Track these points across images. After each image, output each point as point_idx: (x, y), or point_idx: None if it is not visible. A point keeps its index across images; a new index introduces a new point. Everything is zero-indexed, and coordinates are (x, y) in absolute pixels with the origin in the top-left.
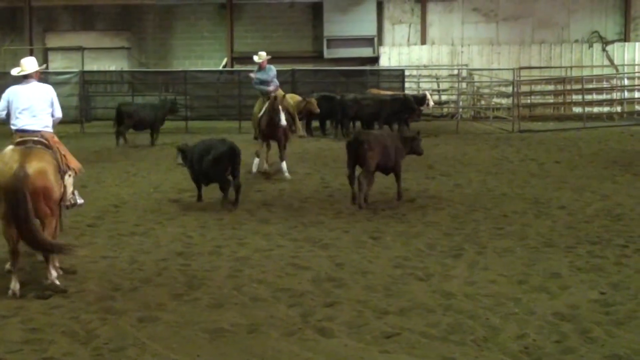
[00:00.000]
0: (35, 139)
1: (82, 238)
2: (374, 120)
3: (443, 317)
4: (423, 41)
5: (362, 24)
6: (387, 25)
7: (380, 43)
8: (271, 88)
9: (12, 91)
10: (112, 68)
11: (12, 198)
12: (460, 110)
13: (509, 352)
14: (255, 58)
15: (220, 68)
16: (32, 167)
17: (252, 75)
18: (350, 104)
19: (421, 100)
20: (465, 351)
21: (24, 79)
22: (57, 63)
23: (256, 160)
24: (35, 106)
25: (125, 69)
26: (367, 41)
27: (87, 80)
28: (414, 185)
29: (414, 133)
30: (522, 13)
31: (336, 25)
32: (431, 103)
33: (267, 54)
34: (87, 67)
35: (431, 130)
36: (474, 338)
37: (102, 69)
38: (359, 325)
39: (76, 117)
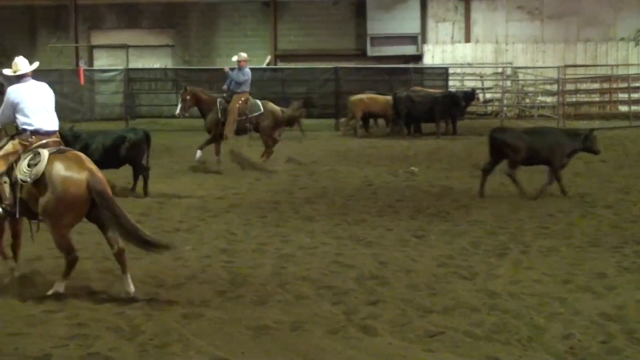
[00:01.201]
0: (57, 139)
1: None
2: (428, 117)
3: (487, 316)
4: (467, 39)
5: (406, 21)
6: (430, 23)
7: (423, 41)
8: (239, 90)
9: (15, 91)
10: (157, 66)
11: (102, 203)
12: (505, 108)
13: (554, 352)
14: (234, 58)
15: (264, 66)
16: (98, 172)
17: (227, 69)
18: (403, 101)
19: (470, 96)
20: (510, 351)
21: (18, 79)
22: (102, 60)
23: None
24: (47, 105)
25: (170, 66)
26: (411, 39)
27: (131, 77)
28: (458, 184)
29: (586, 130)
30: (567, 11)
31: (380, 23)
32: (480, 98)
33: (248, 56)
34: (131, 65)
35: (475, 128)
36: (519, 338)
37: (146, 66)
38: (402, 324)
39: (121, 115)
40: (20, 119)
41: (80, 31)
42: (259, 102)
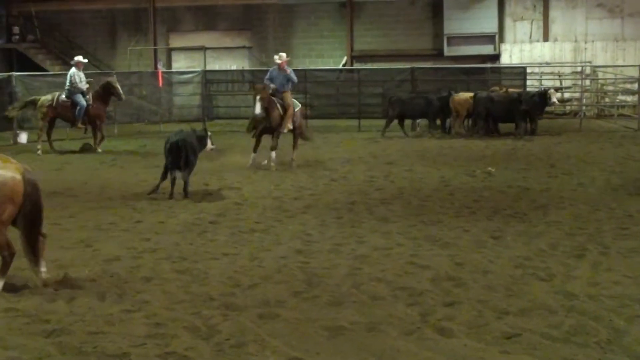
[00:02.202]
0: None
1: (204, 235)
2: (507, 117)
3: (565, 318)
4: (545, 38)
5: (483, 21)
6: (508, 22)
7: (501, 40)
8: (272, 86)
9: None
10: (234, 67)
11: (34, 194)
12: (584, 108)
13: (634, 355)
14: (276, 58)
15: (340, 66)
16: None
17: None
18: (483, 101)
19: (542, 96)
20: (588, 353)
21: None
22: (180, 63)
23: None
24: None
25: (246, 68)
26: (488, 38)
27: (209, 79)
28: (536, 184)
29: None
30: None
31: (456, 23)
32: (553, 99)
33: (288, 56)
34: (209, 67)
35: (554, 128)
36: (598, 340)
37: (223, 68)
38: (479, 326)
39: (198, 116)
40: None
41: (159, 34)
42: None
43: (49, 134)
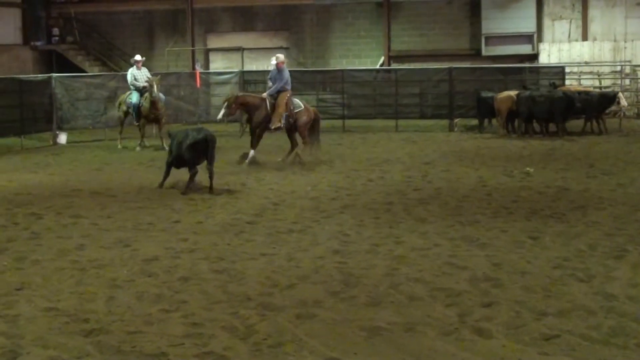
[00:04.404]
0: None
1: (242, 235)
2: (550, 117)
3: (604, 319)
4: (584, 37)
5: (521, 20)
6: (546, 21)
7: (539, 40)
8: (272, 90)
9: None
10: (271, 68)
11: None
12: (623, 107)
13: None
14: (273, 60)
15: (377, 67)
16: None
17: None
18: (524, 101)
19: (605, 97)
20: (628, 355)
21: None
22: (218, 63)
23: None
24: None
25: None
26: (526, 38)
27: (246, 80)
28: (575, 185)
29: None
30: None
31: (494, 22)
32: (622, 102)
33: (283, 58)
34: (246, 67)
35: (593, 128)
36: (637, 342)
37: (261, 69)
38: (517, 326)
39: (236, 117)
40: None
41: (197, 34)
42: (298, 100)
43: (120, 130)
